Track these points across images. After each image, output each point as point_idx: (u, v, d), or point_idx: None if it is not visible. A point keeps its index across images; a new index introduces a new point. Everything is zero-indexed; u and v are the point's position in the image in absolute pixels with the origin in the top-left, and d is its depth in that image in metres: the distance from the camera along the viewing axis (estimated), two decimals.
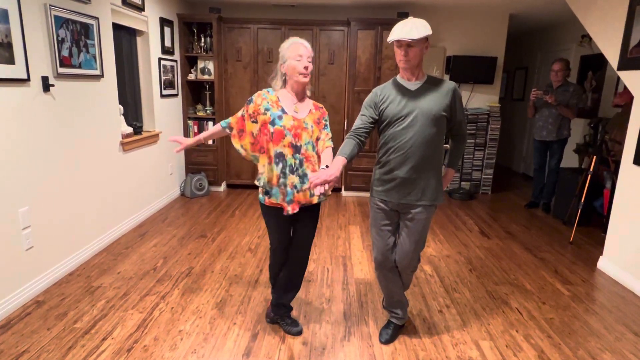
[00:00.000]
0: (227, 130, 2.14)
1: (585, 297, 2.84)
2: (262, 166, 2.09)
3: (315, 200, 2.10)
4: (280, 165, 2.03)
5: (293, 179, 2.04)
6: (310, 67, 2.03)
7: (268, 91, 2.10)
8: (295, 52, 1.99)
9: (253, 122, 2.07)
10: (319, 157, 2.11)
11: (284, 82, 2.10)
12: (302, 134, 2.04)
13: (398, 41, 1.90)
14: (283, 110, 2.05)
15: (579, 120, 5.12)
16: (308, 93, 2.16)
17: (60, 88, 2.83)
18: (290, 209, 2.05)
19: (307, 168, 2.05)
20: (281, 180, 2.03)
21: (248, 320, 2.46)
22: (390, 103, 1.99)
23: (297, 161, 2.04)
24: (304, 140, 2.05)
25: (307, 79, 2.04)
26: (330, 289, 2.85)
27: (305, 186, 2.05)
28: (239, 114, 2.12)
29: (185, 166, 5.19)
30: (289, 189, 2.04)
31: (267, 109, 2.04)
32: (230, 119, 2.15)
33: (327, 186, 1.76)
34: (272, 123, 2.02)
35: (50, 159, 2.77)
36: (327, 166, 1.90)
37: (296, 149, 2.03)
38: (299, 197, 2.06)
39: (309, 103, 2.15)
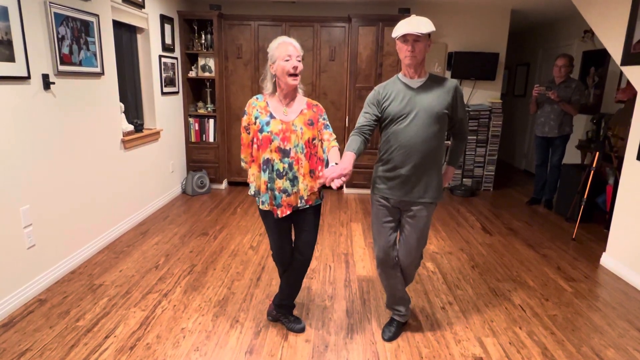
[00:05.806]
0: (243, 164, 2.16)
1: (588, 293, 2.83)
2: (252, 175, 2.08)
3: (303, 203, 2.05)
4: (267, 171, 2.01)
5: (281, 183, 2.01)
6: (300, 67, 1.97)
7: (257, 98, 2.08)
8: (284, 52, 1.93)
9: (249, 133, 2.06)
10: (320, 159, 2.07)
11: (274, 85, 2.04)
12: (291, 136, 2.00)
13: (404, 36, 1.89)
14: (271, 115, 2.02)
15: (581, 116, 5.10)
16: (300, 92, 2.10)
17: (61, 86, 2.82)
18: (280, 213, 2.04)
19: (298, 171, 2.02)
20: (269, 185, 2.02)
21: (250, 317, 2.45)
22: (393, 101, 1.98)
23: (287, 165, 2.00)
24: (293, 143, 2.00)
25: (296, 82, 1.98)
26: (333, 287, 2.84)
27: (320, 181, 1.98)
28: (242, 131, 2.11)
29: (186, 164, 5.18)
30: (277, 193, 2.02)
31: (256, 117, 2.02)
32: (242, 155, 2.14)
33: (343, 179, 1.77)
34: (261, 130, 2.00)
35: (51, 157, 2.76)
36: (336, 163, 1.88)
37: (284, 153, 2.00)
38: (290, 201, 2.04)
39: (301, 102, 2.08)
